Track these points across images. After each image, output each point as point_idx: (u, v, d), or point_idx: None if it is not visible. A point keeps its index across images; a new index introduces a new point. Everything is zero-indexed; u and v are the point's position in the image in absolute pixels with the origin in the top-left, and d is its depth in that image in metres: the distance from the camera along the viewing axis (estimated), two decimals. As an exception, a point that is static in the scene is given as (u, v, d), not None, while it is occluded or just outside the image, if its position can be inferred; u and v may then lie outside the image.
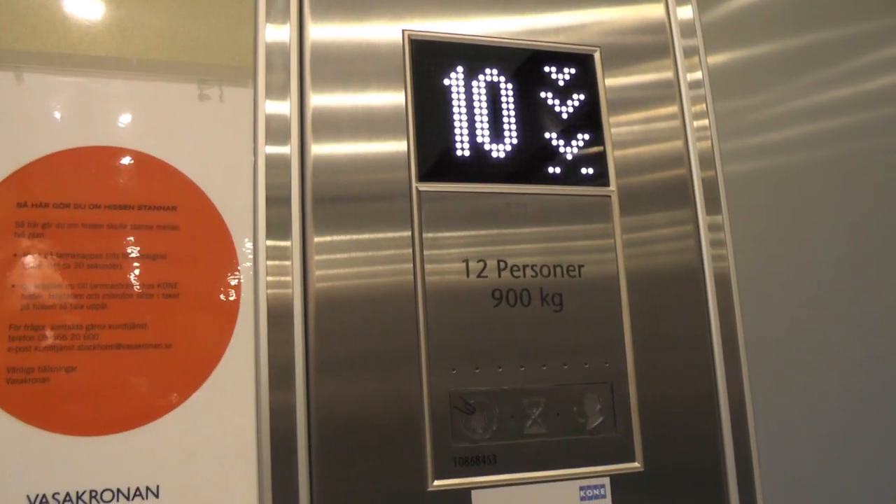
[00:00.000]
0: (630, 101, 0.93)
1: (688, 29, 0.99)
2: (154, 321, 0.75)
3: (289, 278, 0.77)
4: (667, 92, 0.96)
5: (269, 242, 0.77)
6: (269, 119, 0.80)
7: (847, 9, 1.11)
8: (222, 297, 0.77)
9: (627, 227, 0.88)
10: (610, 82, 0.92)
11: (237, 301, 0.77)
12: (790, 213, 0.99)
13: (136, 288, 0.75)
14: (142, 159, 0.78)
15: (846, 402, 0.95)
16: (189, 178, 0.78)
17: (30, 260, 0.74)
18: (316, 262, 0.77)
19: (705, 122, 0.96)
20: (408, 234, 0.80)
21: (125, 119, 0.78)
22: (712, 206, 0.94)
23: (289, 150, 0.79)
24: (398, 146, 0.82)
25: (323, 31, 0.83)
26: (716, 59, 1.00)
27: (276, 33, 0.82)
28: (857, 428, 0.95)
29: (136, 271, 0.76)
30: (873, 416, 0.96)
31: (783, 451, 0.90)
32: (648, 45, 0.96)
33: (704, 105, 0.97)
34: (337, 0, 0.84)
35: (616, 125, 0.91)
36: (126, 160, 0.78)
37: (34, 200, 0.75)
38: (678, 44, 0.98)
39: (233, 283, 0.77)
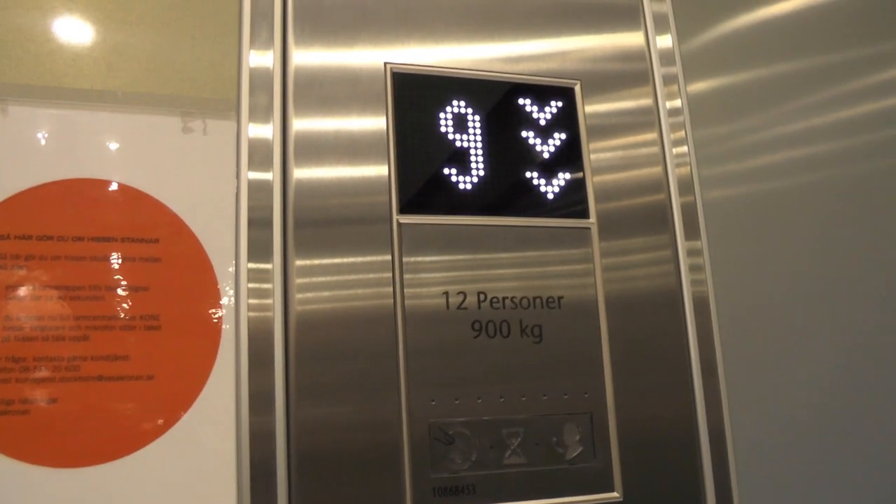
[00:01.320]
0: (609, 127, 0.94)
1: (667, 57, 1.00)
2: (136, 353, 0.76)
3: (270, 301, 0.77)
4: (646, 119, 0.97)
5: (251, 265, 0.77)
6: (252, 143, 0.81)
7: (825, 39, 1.12)
8: (204, 328, 0.78)
9: (606, 253, 0.89)
10: (590, 110, 0.93)
11: (219, 331, 0.78)
12: (769, 239, 1.01)
13: (119, 320, 0.76)
14: (125, 192, 0.79)
15: (826, 426, 0.96)
16: (172, 211, 0.79)
17: (12, 292, 0.74)
18: (297, 286, 0.78)
19: (684, 148, 0.97)
20: (388, 258, 0.81)
21: (109, 151, 0.79)
22: (691, 231, 0.95)
23: (271, 174, 0.80)
24: (380, 173, 0.83)
25: (306, 57, 0.84)
26: (696, 86, 1.02)
27: (260, 59, 0.83)
28: (838, 452, 0.96)
29: (119, 303, 0.76)
30: (854, 441, 0.97)
31: (763, 476, 0.91)
32: (628, 72, 0.98)
33: (683, 132, 0.98)
34: (320, 28, 0.86)
35: (595, 152, 0.92)
36: (110, 192, 0.78)
37: (17, 232, 0.75)
38: (657, 71, 0.99)
39: (214, 314, 0.78)
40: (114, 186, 0.78)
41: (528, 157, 0.89)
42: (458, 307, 0.82)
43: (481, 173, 0.87)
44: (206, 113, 0.81)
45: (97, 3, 0.82)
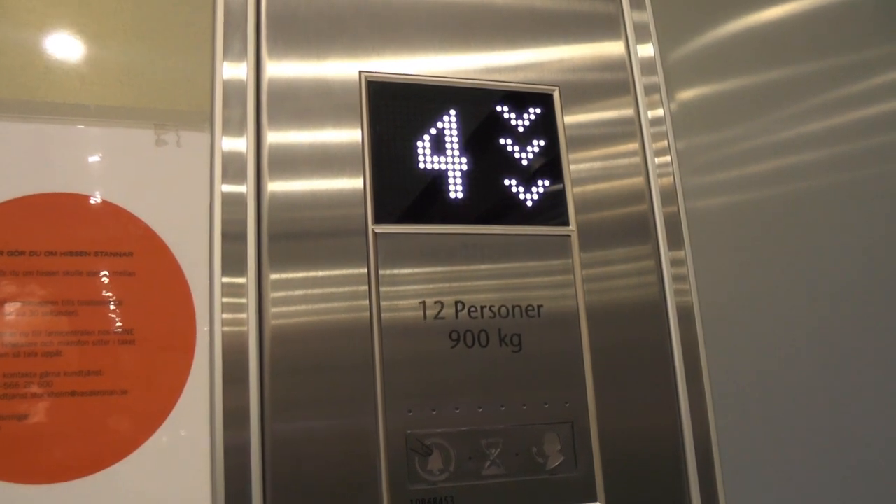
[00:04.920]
0: (590, 138, 0.93)
1: (648, 66, 1.00)
2: (109, 368, 0.75)
3: (244, 315, 0.77)
4: (627, 129, 0.96)
5: (225, 279, 0.77)
6: (226, 156, 0.80)
7: (811, 47, 1.12)
8: (178, 341, 0.77)
9: (587, 264, 0.88)
10: (569, 120, 0.93)
11: (193, 345, 0.77)
12: (756, 247, 1.00)
13: (92, 334, 0.75)
14: (98, 205, 0.78)
15: (813, 436, 0.95)
16: (146, 224, 0.78)
17: (-17, 308, 0.74)
18: (272, 300, 0.77)
19: (667, 158, 0.97)
20: (364, 270, 0.80)
21: (82, 165, 0.79)
22: (674, 241, 0.94)
23: (245, 187, 0.80)
24: (355, 185, 0.83)
25: (280, 69, 0.84)
26: (681, 96, 1.01)
27: (234, 71, 0.83)
28: (826, 461, 0.95)
29: (92, 318, 0.75)
30: (842, 450, 0.96)
31: (750, 487, 0.90)
32: (608, 82, 0.97)
33: (666, 142, 0.98)
34: (294, 39, 0.85)
35: (575, 162, 0.91)
36: (82, 206, 0.78)
37: (-11, 248, 0.75)
38: (639, 81, 0.99)
39: (188, 327, 0.77)
40: (87, 200, 0.77)
41: (507, 165, 0.89)
42: (436, 317, 0.82)
43: (458, 182, 0.86)
44: (180, 125, 0.80)
45: (70, 15, 0.81)
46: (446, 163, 0.86)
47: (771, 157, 1.05)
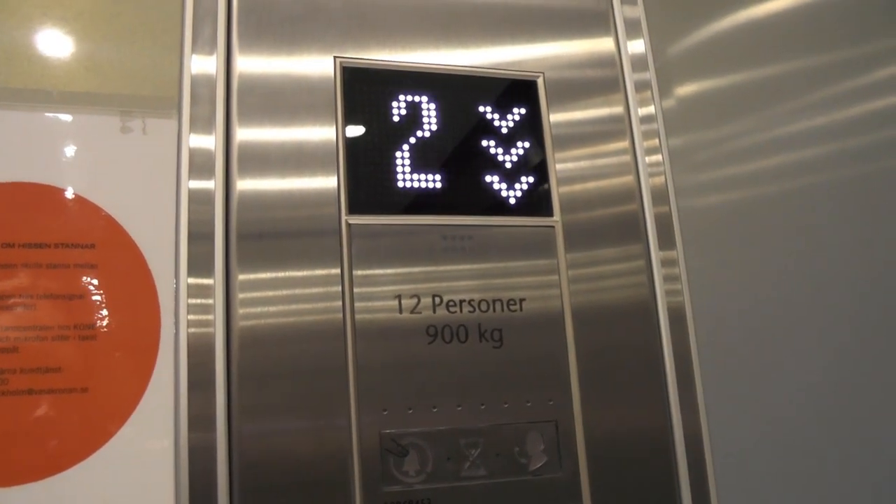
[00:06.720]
0: (577, 135, 0.90)
1: (639, 63, 0.97)
2: (69, 364, 0.72)
3: (211, 317, 0.73)
4: (616, 127, 0.93)
5: (191, 280, 0.74)
6: (194, 153, 0.77)
7: (809, 40, 1.10)
8: (142, 337, 0.74)
9: (574, 263, 0.85)
10: (556, 116, 0.90)
11: (157, 341, 0.74)
12: (750, 247, 0.98)
13: (51, 329, 0.72)
14: (59, 194, 0.75)
15: (807, 439, 0.93)
16: (109, 214, 0.75)
17: (-64, 302, 0.71)
18: (240, 301, 0.74)
19: (658, 157, 0.94)
20: (337, 271, 0.77)
21: (43, 153, 0.76)
22: (666, 241, 0.91)
23: (213, 185, 0.77)
24: (328, 179, 0.79)
25: (251, 63, 0.81)
26: (675, 92, 0.99)
27: (203, 64, 0.79)
28: (820, 464, 0.93)
29: (51, 312, 0.72)
30: (836, 454, 0.94)
31: (742, 490, 0.88)
32: (596, 78, 0.94)
33: (657, 140, 0.95)
34: (266, 30, 0.82)
35: (561, 160, 0.88)
36: (43, 196, 0.75)
37: (-58, 240, 0.72)
38: (629, 78, 0.96)
39: (153, 322, 0.74)
40: (48, 189, 0.74)
41: (488, 154, 0.86)
42: (412, 311, 0.78)
43: (437, 171, 0.83)
44: (146, 112, 0.78)
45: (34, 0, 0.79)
46: (425, 153, 0.83)
47: (767, 155, 1.02)
